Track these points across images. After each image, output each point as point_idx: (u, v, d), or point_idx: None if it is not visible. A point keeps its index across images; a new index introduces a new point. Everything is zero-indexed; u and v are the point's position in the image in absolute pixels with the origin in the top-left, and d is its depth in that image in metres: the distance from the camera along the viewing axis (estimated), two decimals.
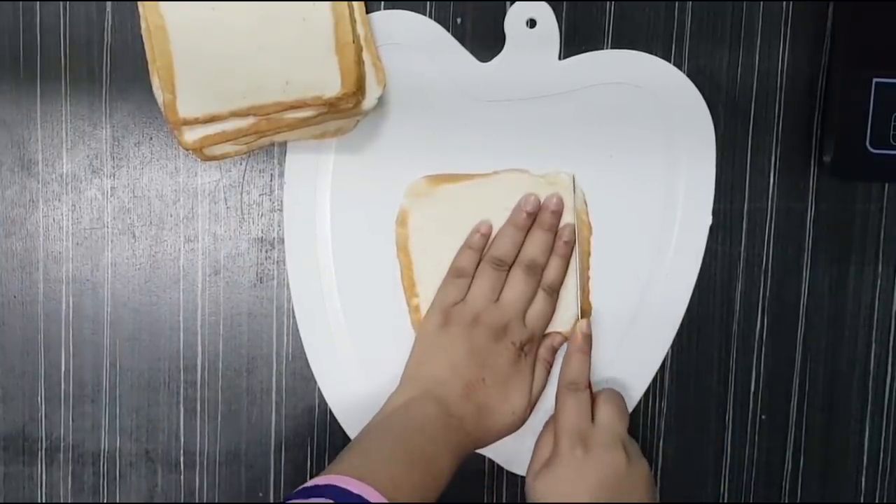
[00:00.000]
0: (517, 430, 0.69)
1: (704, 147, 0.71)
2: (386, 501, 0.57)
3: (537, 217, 0.70)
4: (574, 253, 0.71)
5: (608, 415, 0.68)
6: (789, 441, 0.74)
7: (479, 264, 0.70)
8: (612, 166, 0.71)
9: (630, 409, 0.72)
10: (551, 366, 0.71)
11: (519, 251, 0.70)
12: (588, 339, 0.70)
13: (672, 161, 0.71)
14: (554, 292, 0.70)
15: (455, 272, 0.70)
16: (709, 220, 0.72)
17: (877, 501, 0.74)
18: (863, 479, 0.74)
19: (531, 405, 0.69)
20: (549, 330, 0.71)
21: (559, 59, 0.71)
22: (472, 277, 0.70)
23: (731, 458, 0.74)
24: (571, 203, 0.70)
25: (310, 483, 0.58)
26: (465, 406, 0.66)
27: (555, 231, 0.70)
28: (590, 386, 0.69)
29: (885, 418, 0.74)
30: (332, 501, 0.56)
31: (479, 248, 0.70)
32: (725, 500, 0.74)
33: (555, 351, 0.71)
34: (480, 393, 0.67)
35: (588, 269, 0.71)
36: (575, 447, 0.67)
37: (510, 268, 0.69)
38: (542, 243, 0.70)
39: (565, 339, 0.71)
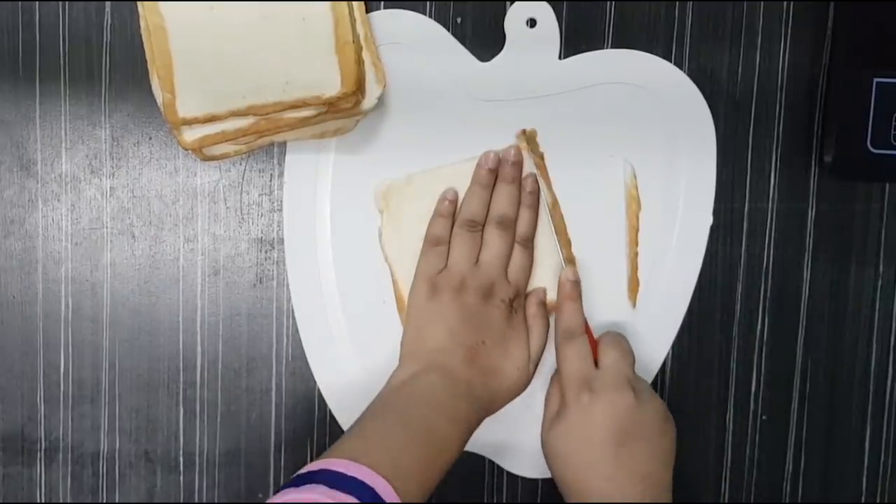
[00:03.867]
0: (525, 387, 0.68)
1: (705, 147, 0.71)
2: (385, 481, 0.56)
3: (499, 172, 0.69)
4: (542, 204, 0.70)
5: (611, 357, 0.67)
6: (790, 441, 0.74)
7: (452, 229, 0.69)
8: (612, 166, 0.71)
9: None
10: (547, 319, 0.70)
11: (488, 210, 0.69)
12: (576, 285, 0.69)
13: (672, 161, 0.71)
14: (528, 243, 0.70)
15: (432, 241, 0.69)
16: (709, 220, 0.72)
17: (877, 502, 0.74)
18: (864, 480, 0.74)
19: (534, 361, 0.69)
20: (531, 285, 0.71)
21: (559, 58, 0.71)
22: (449, 244, 0.69)
23: (731, 458, 0.74)
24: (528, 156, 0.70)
25: (304, 469, 0.58)
26: (469, 371, 0.66)
27: (518, 183, 0.70)
28: (590, 332, 0.69)
29: (885, 418, 0.74)
30: (322, 498, 0.55)
31: (450, 214, 0.70)
32: (726, 501, 0.74)
33: (543, 303, 0.70)
34: (482, 355, 0.67)
35: (637, 244, 0.71)
36: (581, 393, 0.66)
37: (483, 228, 0.69)
38: (508, 196, 0.69)
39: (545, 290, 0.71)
